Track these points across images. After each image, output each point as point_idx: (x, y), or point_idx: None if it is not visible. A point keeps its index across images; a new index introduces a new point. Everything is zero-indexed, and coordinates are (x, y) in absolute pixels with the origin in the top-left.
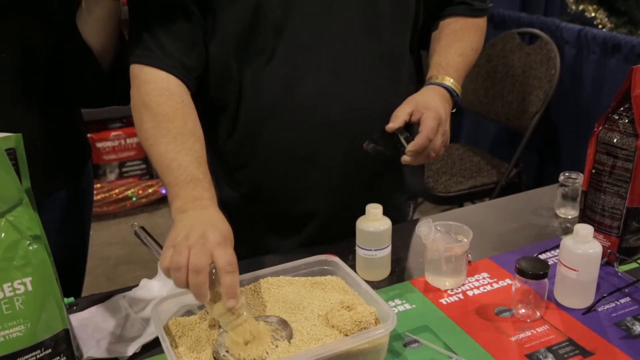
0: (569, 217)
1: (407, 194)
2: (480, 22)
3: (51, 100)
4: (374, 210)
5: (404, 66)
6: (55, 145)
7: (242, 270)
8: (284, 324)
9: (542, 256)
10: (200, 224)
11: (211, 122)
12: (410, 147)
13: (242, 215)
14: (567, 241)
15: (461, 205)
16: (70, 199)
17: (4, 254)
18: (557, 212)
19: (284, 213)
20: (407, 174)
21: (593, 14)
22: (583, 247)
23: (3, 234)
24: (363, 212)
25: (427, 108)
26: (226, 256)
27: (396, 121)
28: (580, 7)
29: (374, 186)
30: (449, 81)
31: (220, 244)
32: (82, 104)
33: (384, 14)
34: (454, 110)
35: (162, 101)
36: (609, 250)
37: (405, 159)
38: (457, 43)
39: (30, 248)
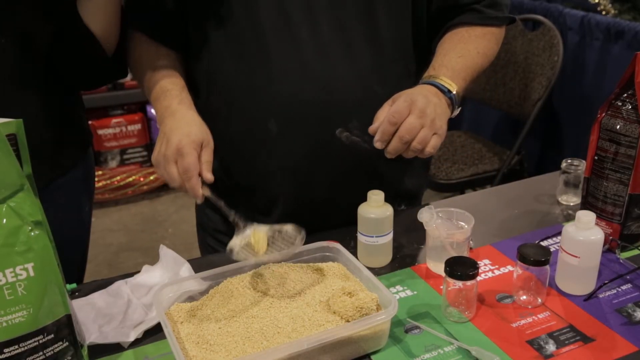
0: (571, 204)
1: (393, 191)
2: (494, 30)
3: (52, 87)
4: (376, 196)
5: (397, 58)
6: (56, 132)
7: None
8: (297, 230)
9: (544, 243)
10: (170, 133)
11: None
12: (376, 135)
13: (223, 189)
14: (568, 228)
15: (462, 193)
16: (72, 186)
17: (5, 240)
18: (559, 199)
19: (253, 190)
20: (406, 174)
21: (596, 0)
22: (585, 233)
23: (5, 220)
24: (336, 204)
25: (401, 95)
26: (182, 165)
27: (377, 122)
28: None
29: (348, 177)
30: (439, 79)
31: (182, 152)
32: (84, 87)
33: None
34: (454, 114)
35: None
36: (611, 237)
37: (377, 145)
38: (459, 45)
39: (32, 234)
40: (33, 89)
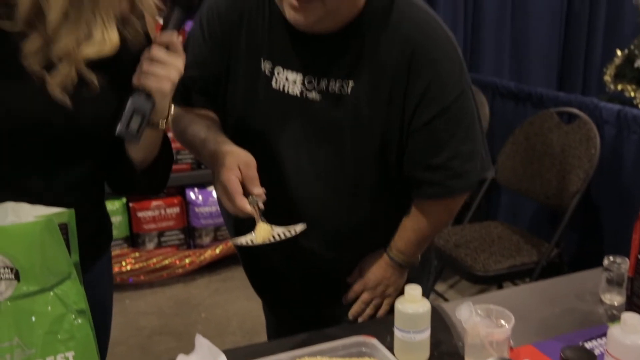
0: (615, 303)
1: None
2: (455, 199)
3: (96, 183)
4: (413, 291)
5: (367, 197)
6: (94, 222)
7: (279, 349)
8: (302, 227)
9: (588, 345)
10: (216, 174)
11: None
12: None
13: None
14: (614, 331)
15: (500, 286)
16: (100, 272)
17: (50, 327)
18: (602, 297)
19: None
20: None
21: (632, 94)
22: (632, 337)
23: (50, 307)
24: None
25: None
26: (227, 193)
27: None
28: (619, 87)
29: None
30: (394, 253)
31: (224, 184)
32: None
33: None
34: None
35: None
36: None
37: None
38: (420, 223)
39: (76, 322)
40: (82, 195)
